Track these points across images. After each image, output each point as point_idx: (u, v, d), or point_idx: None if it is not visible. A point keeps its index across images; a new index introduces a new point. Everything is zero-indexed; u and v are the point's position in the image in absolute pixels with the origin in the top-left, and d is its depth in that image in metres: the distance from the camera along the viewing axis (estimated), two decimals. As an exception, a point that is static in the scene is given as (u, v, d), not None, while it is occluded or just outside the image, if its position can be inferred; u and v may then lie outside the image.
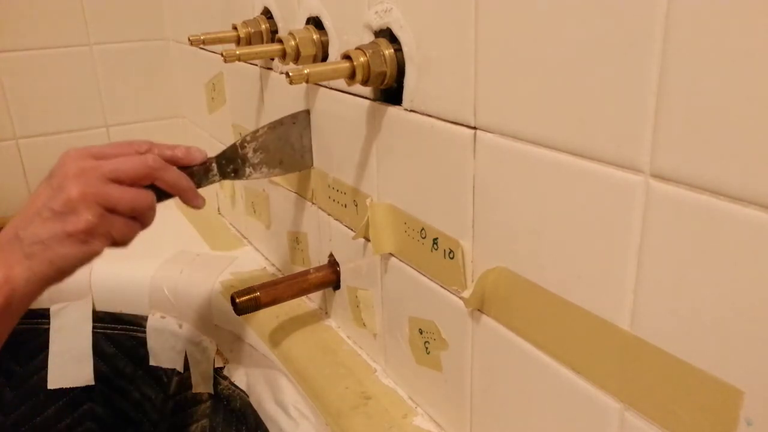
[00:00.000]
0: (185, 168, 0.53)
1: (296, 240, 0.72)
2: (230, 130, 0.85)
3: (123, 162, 0.48)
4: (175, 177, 0.51)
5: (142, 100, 1.06)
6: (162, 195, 0.51)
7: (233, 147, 0.57)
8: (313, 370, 0.61)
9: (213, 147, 0.95)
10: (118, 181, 0.48)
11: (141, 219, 0.50)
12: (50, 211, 0.46)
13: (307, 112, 0.60)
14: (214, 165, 0.55)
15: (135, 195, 0.48)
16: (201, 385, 0.79)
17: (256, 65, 0.71)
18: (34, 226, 0.46)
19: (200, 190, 0.54)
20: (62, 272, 0.47)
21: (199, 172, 0.54)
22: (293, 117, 0.60)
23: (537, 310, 0.38)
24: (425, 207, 0.47)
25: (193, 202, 0.53)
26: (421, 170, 0.46)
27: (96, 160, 0.48)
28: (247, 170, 0.57)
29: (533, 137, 0.36)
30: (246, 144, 0.57)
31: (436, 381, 0.51)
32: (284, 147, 0.60)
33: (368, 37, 0.48)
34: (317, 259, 0.68)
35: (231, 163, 0.56)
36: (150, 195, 0.50)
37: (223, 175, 0.56)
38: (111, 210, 0.47)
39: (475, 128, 0.40)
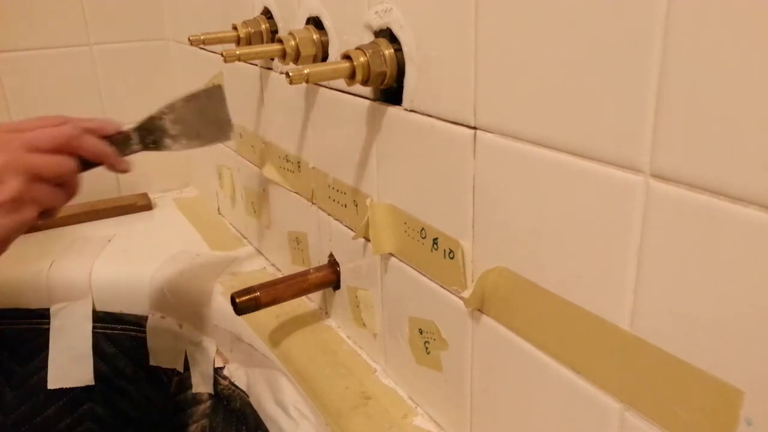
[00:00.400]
0: (104, 138, 0.54)
1: (296, 240, 0.72)
2: (230, 130, 0.85)
3: (41, 132, 0.50)
4: (93, 143, 0.53)
5: (142, 100, 1.05)
6: (86, 165, 0.53)
7: (150, 118, 0.58)
8: (313, 370, 0.61)
9: (213, 147, 0.95)
10: (39, 150, 0.49)
11: (66, 186, 0.52)
12: None
13: (220, 88, 0.61)
14: (135, 134, 0.56)
15: (58, 161, 0.50)
16: (201, 385, 0.79)
17: (256, 65, 0.71)
18: None
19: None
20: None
21: (118, 141, 0.55)
22: (206, 92, 0.60)
23: (537, 310, 0.38)
24: (425, 207, 0.47)
25: (117, 166, 0.55)
26: (421, 170, 0.46)
27: (13, 133, 0.49)
28: (167, 141, 0.58)
29: (533, 137, 0.36)
30: (163, 116, 0.58)
31: (436, 381, 0.51)
32: (201, 120, 0.60)
33: (368, 37, 0.48)
34: (317, 259, 0.68)
35: (150, 134, 0.57)
36: (71, 161, 0.51)
37: (144, 146, 0.57)
38: (36, 177, 0.48)
39: (475, 128, 0.40)
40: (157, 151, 0.58)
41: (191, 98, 0.60)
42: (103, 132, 0.54)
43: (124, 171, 0.55)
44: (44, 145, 0.49)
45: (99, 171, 0.54)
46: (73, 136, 0.51)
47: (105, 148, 0.54)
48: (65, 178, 0.51)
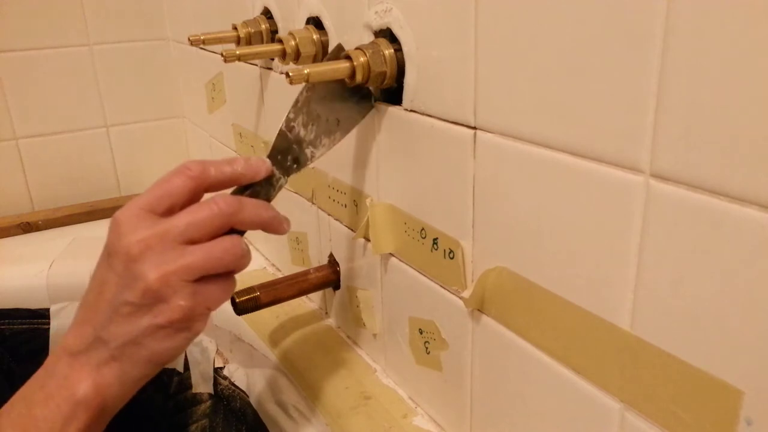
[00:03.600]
0: (248, 187, 0.44)
1: (296, 240, 0.72)
2: (230, 130, 0.85)
3: (192, 216, 0.39)
4: (254, 212, 0.42)
5: (142, 100, 1.06)
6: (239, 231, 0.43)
7: (281, 135, 0.47)
8: (313, 370, 0.61)
9: (213, 147, 0.95)
10: (194, 241, 0.39)
11: (236, 269, 0.42)
12: (130, 305, 0.38)
13: (341, 49, 0.50)
14: (274, 168, 0.46)
15: (222, 250, 0.39)
16: (201, 385, 0.79)
17: (256, 65, 0.71)
18: (116, 324, 0.38)
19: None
20: (162, 365, 0.41)
21: (262, 186, 0.45)
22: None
23: (537, 310, 0.38)
24: (425, 207, 0.47)
25: (279, 230, 0.44)
26: (421, 170, 0.46)
27: (155, 217, 0.39)
28: (308, 152, 0.48)
29: (533, 137, 0.36)
30: (293, 124, 0.47)
31: (436, 381, 0.51)
32: (334, 103, 0.49)
33: (368, 37, 0.48)
34: (317, 259, 0.68)
35: (288, 154, 0.47)
36: (238, 240, 0.41)
37: (287, 172, 0.47)
38: (202, 280, 0.39)
39: (475, 128, 0.40)
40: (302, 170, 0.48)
41: (312, 85, 0.48)
42: (250, 179, 0.43)
43: (284, 232, 0.45)
44: (199, 235, 0.39)
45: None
46: (230, 213, 0.40)
47: (266, 213, 0.43)
48: (235, 264, 0.41)
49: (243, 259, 0.41)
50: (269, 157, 0.46)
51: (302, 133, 0.48)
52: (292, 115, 0.48)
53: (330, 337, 0.66)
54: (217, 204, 0.40)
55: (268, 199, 0.46)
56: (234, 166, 0.42)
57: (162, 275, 0.37)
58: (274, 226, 0.44)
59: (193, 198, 0.41)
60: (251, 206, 0.42)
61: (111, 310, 0.38)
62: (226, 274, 0.41)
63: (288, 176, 0.47)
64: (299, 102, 0.48)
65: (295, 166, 0.47)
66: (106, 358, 0.39)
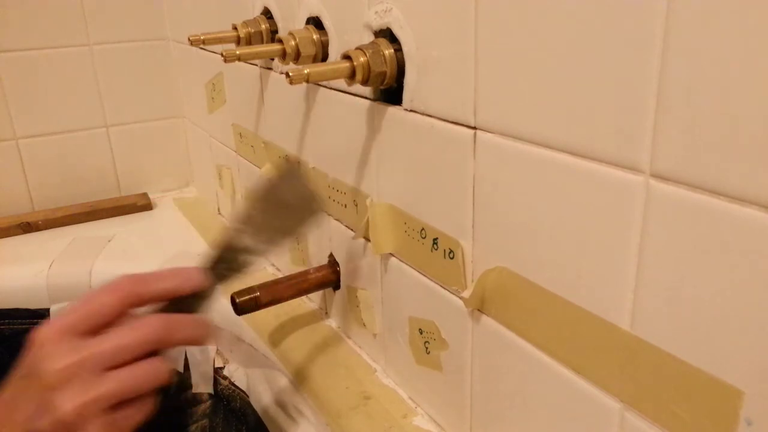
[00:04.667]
0: (180, 299, 0.41)
1: (296, 240, 0.72)
2: (230, 130, 0.85)
3: (119, 341, 0.37)
4: (187, 334, 0.40)
5: (142, 100, 1.06)
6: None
7: (226, 248, 0.45)
8: (313, 370, 0.61)
9: (213, 147, 0.95)
10: (117, 366, 0.37)
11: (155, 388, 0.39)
12: None
13: (297, 167, 0.51)
14: (212, 277, 0.43)
15: (144, 375, 0.38)
16: (201, 385, 0.79)
17: (256, 65, 0.71)
18: None
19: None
20: None
21: (198, 296, 0.42)
22: (282, 178, 0.48)
23: (537, 310, 0.38)
24: (425, 207, 0.47)
25: (205, 344, 0.43)
26: (421, 170, 0.46)
27: (78, 339, 0.36)
28: (252, 258, 0.45)
29: (533, 137, 0.36)
30: (240, 235, 0.45)
31: (436, 381, 0.51)
32: (284, 213, 0.47)
33: (368, 37, 0.48)
34: (317, 259, 0.68)
35: (229, 263, 0.45)
36: (160, 363, 0.39)
37: (222, 280, 0.44)
38: (120, 406, 0.37)
39: (475, 128, 0.40)
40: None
41: (266, 195, 0.47)
42: (182, 292, 0.41)
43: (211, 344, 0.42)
44: (128, 359, 0.37)
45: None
46: (166, 336, 0.38)
47: (198, 332, 0.41)
48: (158, 385, 0.39)
49: (163, 380, 0.39)
50: (212, 266, 0.43)
51: (249, 244, 0.45)
52: (241, 226, 0.45)
53: (330, 337, 0.66)
54: (149, 328, 0.38)
55: (201, 310, 0.43)
56: (166, 283, 0.40)
57: (77, 406, 0.35)
58: (204, 342, 0.42)
59: (121, 315, 0.38)
60: (184, 327, 0.40)
61: None
62: (145, 395, 0.39)
63: (222, 283, 0.44)
64: (250, 211, 0.46)
65: (231, 273, 0.45)
66: None
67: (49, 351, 0.36)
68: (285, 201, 0.47)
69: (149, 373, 0.38)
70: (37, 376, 0.36)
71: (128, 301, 0.38)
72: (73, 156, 1.02)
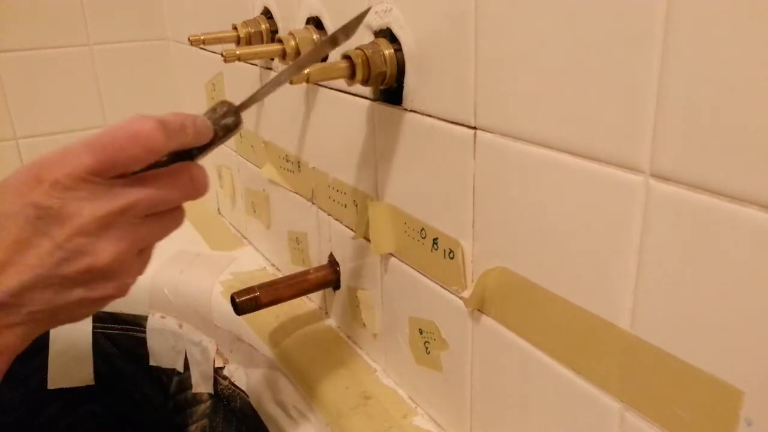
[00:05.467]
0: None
1: (296, 240, 0.72)
2: (230, 130, 0.85)
3: (161, 194, 0.36)
4: (206, 186, 0.40)
5: (142, 100, 1.06)
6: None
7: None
8: (313, 370, 0.61)
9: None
10: (153, 214, 0.37)
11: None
12: (64, 278, 0.33)
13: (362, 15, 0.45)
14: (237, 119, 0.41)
15: (176, 222, 0.39)
16: (201, 385, 0.79)
17: (256, 65, 0.71)
18: (40, 293, 0.33)
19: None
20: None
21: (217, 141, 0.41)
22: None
23: (537, 310, 0.38)
24: (425, 207, 0.47)
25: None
26: (421, 170, 0.46)
27: (107, 185, 0.34)
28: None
29: (533, 137, 0.36)
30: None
31: (436, 381, 0.51)
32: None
33: (368, 37, 0.48)
34: (317, 259, 0.68)
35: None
36: (182, 214, 0.40)
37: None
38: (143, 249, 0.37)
39: (475, 128, 0.40)
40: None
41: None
42: (198, 144, 0.39)
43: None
44: (165, 209, 0.37)
45: None
46: (200, 190, 0.39)
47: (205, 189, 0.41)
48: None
49: (179, 225, 0.39)
50: (239, 108, 0.41)
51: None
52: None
53: (330, 337, 0.66)
54: (191, 181, 0.38)
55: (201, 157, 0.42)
56: (186, 133, 0.37)
57: (117, 254, 0.34)
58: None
59: (145, 165, 0.36)
60: (206, 180, 0.40)
61: (34, 278, 0.33)
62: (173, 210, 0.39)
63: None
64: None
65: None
66: (13, 322, 0.34)
67: (80, 195, 0.33)
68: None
69: (178, 220, 0.39)
70: (65, 219, 0.32)
71: (152, 154, 0.35)
72: (73, 156, 1.02)
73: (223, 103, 0.41)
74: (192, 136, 0.37)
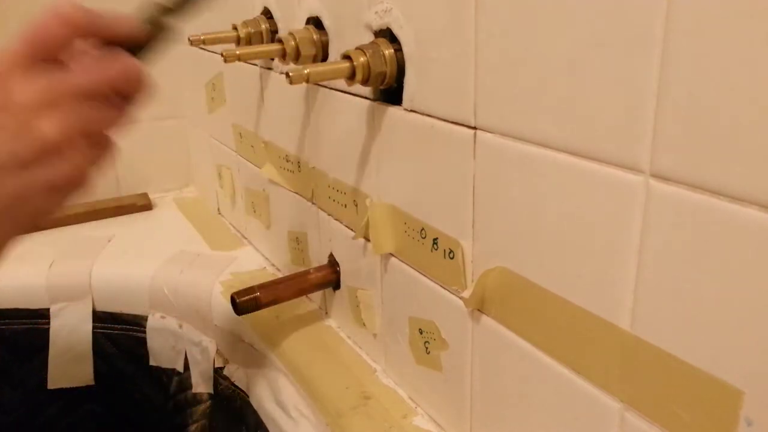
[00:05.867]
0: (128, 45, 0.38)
1: (296, 240, 0.72)
2: (230, 130, 0.85)
3: (96, 72, 0.35)
4: (146, 83, 0.39)
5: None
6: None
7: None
8: (313, 370, 0.61)
9: (213, 147, 0.95)
10: (95, 99, 0.36)
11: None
12: (18, 160, 0.33)
13: None
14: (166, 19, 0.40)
15: (124, 112, 0.38)
16: (201, 385, 0.79)
17: (256, 65, 0.71)
18: (1, 179, 0.33)
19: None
20: (40, 224, 0.37)
21: (148, 47, 0.39)
22: None
23: (537, 310, 0.38)
24: (425, 207, 0.47)
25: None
26: (421, 170, 0.46)
27: (42, 65, 0.34)
28: None
29: (533, 137, 0.36)
30: None
31: (436, 381, 0.51)
32: None
33: (368, 37, 0.48)
34: (317, 259, 0.68)
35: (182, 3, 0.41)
36: (124, 106, 0.38)
37: (178, 12, 0.41)
38: (102, 138, 0.37)
39: (475, 128, 0.40)
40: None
41: None
42: (137, 39, 0.38)
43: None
44: (104, 92, 0.36)
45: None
46: (139, 77, 0.37)
47: (146, 86, 0.39)
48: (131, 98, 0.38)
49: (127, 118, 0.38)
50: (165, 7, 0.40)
51: None
52: None
53: (330, 337, 0.66)
54: (126, 65, 0.36)
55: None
56: (120, 25, 0.37)
57: (64, 128, 0.34)
58: (142, 98, 0.40)
59: (70, 46, 0.36)
60: (146, 76, 0.38)
61: None
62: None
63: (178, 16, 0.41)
64: None
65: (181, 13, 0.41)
66: None
67: (17, 79, 0.33)
68: None
69: (121, 111, 0.37)
70: (9, 102, 0.33)
71: (78, 31, 0.35)
72: (73, 156, 1.02)
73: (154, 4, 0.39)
74: (113, 22, 0.37)
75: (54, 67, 0.35)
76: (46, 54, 0.34)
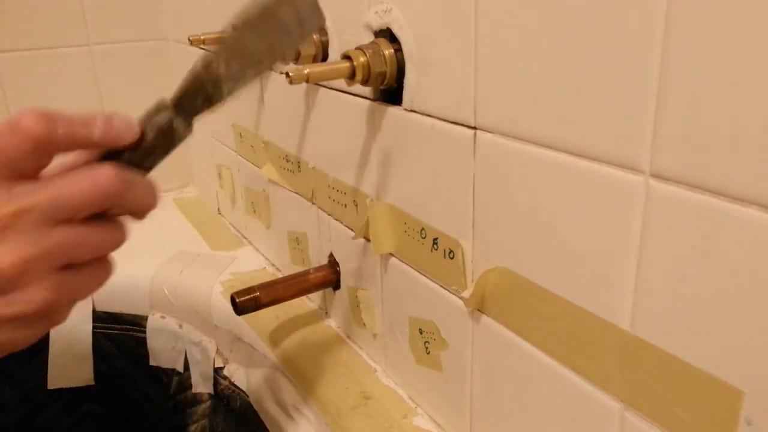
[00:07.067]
0: (128, 148, 0.34)
1: (296, 240, 0.72)
2: (230, 130, 0.85)
3: (66, 187, 0.31)
4: (140, 200, 0.34)
5: (142, 100, 1.05)
6: None
7: (195, 78, 0.38)
8: (313, 370, 0.61)
9: (213, 147, 0.95)
10: (61, 222, 0.31)
11: (113, 250, 0.34)
12: None
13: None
14: (176, 120, 0.37)
15: (101, 234, 0.33)
16: (201, 385, 0.79)
17: (256, 65, 0.71)
18: None
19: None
20: (6, 354, 0.33)
21: (161, 140, 0.36)
22: None
23: (537, 310, 0.38)
24: (425, 207, 0.47)
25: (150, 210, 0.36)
26: (421, 170, 0.46)
27: (12, 181, 0.30)
28: (225, 89, 0.38)
29: (533, 137, 0.36)
30: (214, 63, 0.38)
31: (436, 381, 0.51)
32: (273, 31, 0.38)
33: (368, 37, 0.48)
34: (317, 259, 0.68)
35: (198, 96, 0.38)
36: (119, 225, 0.34)
37: (195, 114, 0.38)
38: (70, 267, 0.32)
39: (475, 128, 0.40)
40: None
41: (260, 16, 0.37)
42: (115, 145, 0.34)
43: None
44: (76, 210, 0.31)
45: None
46: (120, 188, 0.32)
47: (152, 201, 0.35)
48: (112, 250, 0.34)
49: (122, 241, 0.34)
50: (175, 104, 0.38)
51: (223, 70, 0.38)
52: (217, 56, 0.38)
53: (330, 337, 0.66)
54: (101, 177, 0.31)
55: (167, 153, 0.37)
56: (90, 129, 0.32)
57: (20, 260, 0.30)
58: (149, 210, 0.36)
59: (38, 163, 0.31)
60: (140, 189, 0.34)
61: None
62: (101, 258, 0.34)
63: (194, 119, 0.38)
64: (228, 42, 0.38)
65: (206, 105, 0.38)
66: None
67: None
68: (282, 21, 0.37)
69: (106, 233, 0.33)
70: None
71: (42, 146, 0.30)
72: (73, 156, 1.02)
73: (159, 101, 0.36)
74: (101, 131, 0.33)
75: (19, 184, 0.30)
76: (12, 172, 0.30)
